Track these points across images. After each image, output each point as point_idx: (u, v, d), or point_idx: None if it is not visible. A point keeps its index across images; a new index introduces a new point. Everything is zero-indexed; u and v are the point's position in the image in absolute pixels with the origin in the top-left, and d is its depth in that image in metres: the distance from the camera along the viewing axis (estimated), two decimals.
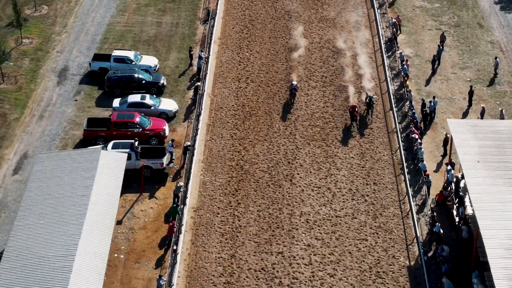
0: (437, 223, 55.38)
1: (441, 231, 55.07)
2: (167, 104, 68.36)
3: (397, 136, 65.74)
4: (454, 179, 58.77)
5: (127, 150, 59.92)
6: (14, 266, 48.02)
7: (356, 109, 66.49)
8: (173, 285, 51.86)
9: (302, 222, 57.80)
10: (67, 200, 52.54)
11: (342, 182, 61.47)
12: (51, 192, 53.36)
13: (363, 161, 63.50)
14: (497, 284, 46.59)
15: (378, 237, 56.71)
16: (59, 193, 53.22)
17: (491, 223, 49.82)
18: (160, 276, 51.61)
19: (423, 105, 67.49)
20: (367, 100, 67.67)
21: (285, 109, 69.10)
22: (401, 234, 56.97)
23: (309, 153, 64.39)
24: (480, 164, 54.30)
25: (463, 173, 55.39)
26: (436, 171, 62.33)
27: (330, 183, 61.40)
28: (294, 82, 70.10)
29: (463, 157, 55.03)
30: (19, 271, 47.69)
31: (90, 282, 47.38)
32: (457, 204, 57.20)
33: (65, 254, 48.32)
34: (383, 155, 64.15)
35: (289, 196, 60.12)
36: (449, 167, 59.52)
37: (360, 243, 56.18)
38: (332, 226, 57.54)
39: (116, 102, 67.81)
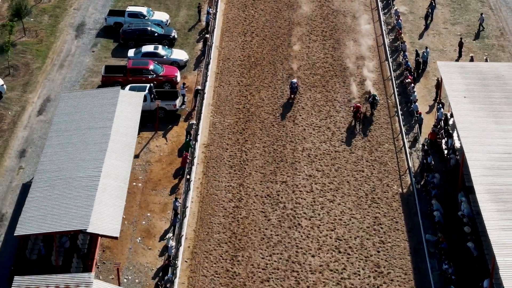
0: (430, 156, 60.59)
1: (432, 161, 60.26)
2: (178, 54, 73.43)
3: (392, 83, 70.85)
4: (443, 117, 63.98)
5: (144, 92, 64.89)
6: (44, 186, 53.16)
7: (360, 110, 66.32)
8: (187, 207, 57.09)
9: (304, 156, 62.98)
10: (90, 131, 57.72)
11: (341, 123, 66.62)
12: (75, 125, 58.54)
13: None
14: (480, 200, 51.67)
15: (374, 169, 61.91)
16: (83, 125, 58.41)
17: (475, 149, 54.99)
18: (176, 199, 56.85)
19: (417, 54, 72.56)
20: (370, 99, 67.66)
21: (288, 59, 74.13)
22: (395, 166, 62.15)
23: (310, 97, 69.53)
24: (466, 99, 59.55)
25: (452, 112, 60.58)
26: (428, 112, 67.46)
27: (329, 123, 66.56)
28: (294, 80, 69.49)
29: (451, 94, 60.27)
30: (49, 191, 52.76)
31: (113, 198, 52.57)
32: (446, 139, 62.40)
33: (90, 175, 53.50)
34: (379, 99, 69.16)
35: (292, 134, 65.29)
36: (439, 106, 64.73)
37: (357, 174, 61.41)
38: (331, 160, 62.74)
39: (131, 52, 72.77)
